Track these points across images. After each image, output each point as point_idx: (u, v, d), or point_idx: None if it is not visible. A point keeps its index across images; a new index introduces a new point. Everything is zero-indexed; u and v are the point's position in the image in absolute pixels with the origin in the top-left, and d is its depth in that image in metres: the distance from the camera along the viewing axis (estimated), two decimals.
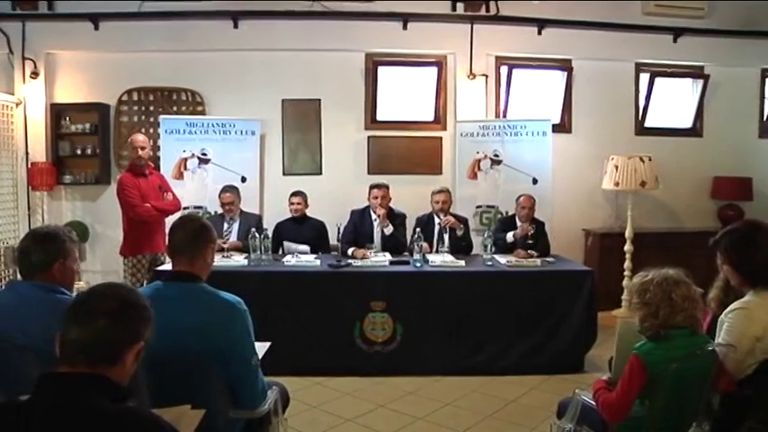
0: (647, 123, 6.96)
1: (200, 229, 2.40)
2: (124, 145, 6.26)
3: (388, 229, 5.29)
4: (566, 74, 6.71)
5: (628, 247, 6.15)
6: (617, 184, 6.08)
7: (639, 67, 6.90)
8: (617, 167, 6.07)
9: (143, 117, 6.49)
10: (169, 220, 5.11)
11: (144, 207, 4.98)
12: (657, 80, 6.83)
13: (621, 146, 6.52)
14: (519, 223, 5.38)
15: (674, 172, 6.74)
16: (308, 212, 5.59)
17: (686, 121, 7.08)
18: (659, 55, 6.83)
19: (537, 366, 4.58)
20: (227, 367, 2.22)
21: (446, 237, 5.37)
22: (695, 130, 7.08)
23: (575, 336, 4.62)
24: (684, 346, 2.31)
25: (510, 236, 5.35)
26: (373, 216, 5.35)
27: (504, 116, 6.67)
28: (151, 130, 6.34)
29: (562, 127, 6.77)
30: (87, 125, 6.38)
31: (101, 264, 6.44)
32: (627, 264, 6.12)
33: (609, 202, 6.87)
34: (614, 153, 6.19)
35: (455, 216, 5.42)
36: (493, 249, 4.97)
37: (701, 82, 6.92)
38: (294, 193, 5.58)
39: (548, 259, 5.07)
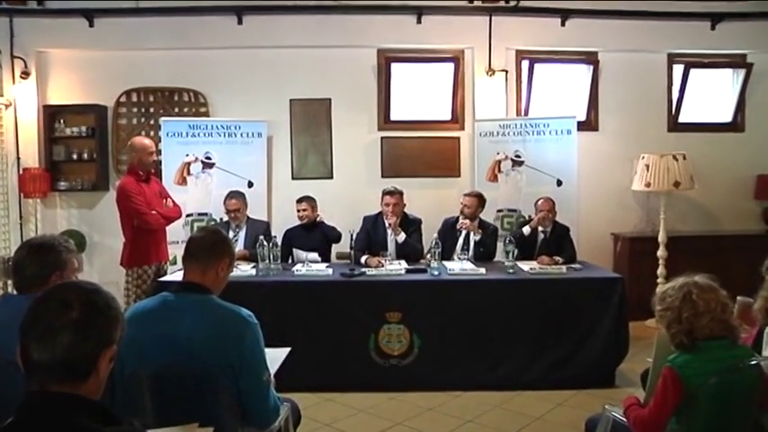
0: (681, 119, 6.91)
1: (219, 241, 2.47)
2: (123, 149, 6.32)
3: (400, 238, 5.30)
4: (591, 67, 6.69)
5: (661, 252, 6.12)
6: (648, 184, 6.05)
7: (672, 58, 6.84)
8: (648, 167, 6.04)
9: (143, 119, 6.55)
10: (171, 230, 5.18)
11: (152, 215, 4.84)
12: (693, 71, 6.76)
13: (653, 144, 6.48)
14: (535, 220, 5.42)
15: (711, 171, 6.68)
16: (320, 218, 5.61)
17: (725, 116, 7.01)
18: (695, 44, 6.74)
19: (564, 380, 4.55)
20: (237, 383, 2.24)
21: (471, 242, 5.37)
22: (736, 125, 7.00)
23: (604, 348, 4.59)
24: (724, 359, 2.28)
25: (526, 228, 5.40)
26: (386, 223, 5.37)
27: (526, 114, 6.66)
28: (152, 133, 6.35)
29: (588, 125, 6.74)
30: (83, 128, 6.44)
31: (99, 275, 6.44)
32: (660, 270, 6.08)
33: (639, 204, 6.83)
34: (645, 151, 6.16)
35: (482, 223, 5.43)
36: (515, 254, 4.95)
37: (742, 72, 6.83)
38: (300, 200, 5.59)
39: (574, 266, 5.05)
